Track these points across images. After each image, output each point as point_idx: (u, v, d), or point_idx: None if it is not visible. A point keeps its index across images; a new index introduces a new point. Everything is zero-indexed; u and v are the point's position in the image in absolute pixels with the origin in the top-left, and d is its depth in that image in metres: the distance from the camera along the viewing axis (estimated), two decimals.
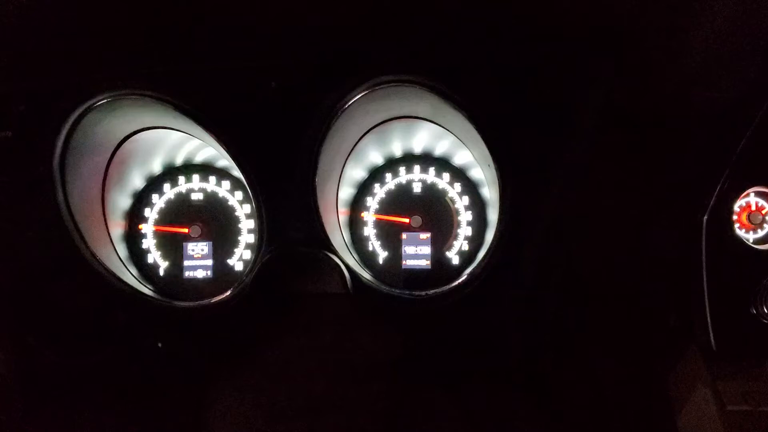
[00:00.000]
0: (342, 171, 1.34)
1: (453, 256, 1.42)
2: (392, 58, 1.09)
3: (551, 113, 1.08)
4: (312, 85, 1.10)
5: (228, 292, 1.17)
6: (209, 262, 1.41)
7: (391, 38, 1.08)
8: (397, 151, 1.44)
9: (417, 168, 1.44)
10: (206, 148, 1.35)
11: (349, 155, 1.33)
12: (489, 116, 1.08)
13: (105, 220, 1.30)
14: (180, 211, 1.41)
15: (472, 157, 1.33)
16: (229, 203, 1.42)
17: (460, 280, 1.16)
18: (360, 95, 1.10)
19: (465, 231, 1.42)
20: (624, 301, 1.18)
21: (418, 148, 1.43)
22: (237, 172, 1.30)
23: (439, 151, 1.42)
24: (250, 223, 1.41)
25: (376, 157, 1.44)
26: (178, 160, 1.43)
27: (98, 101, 1.11)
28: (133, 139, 1.28)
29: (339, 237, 1.31)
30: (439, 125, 1.28)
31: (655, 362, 1.23)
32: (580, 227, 1.14)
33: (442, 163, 1.44)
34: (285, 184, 1.14)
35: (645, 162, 1.13)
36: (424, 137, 1.37)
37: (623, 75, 1.05)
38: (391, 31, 1.06)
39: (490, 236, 1.25)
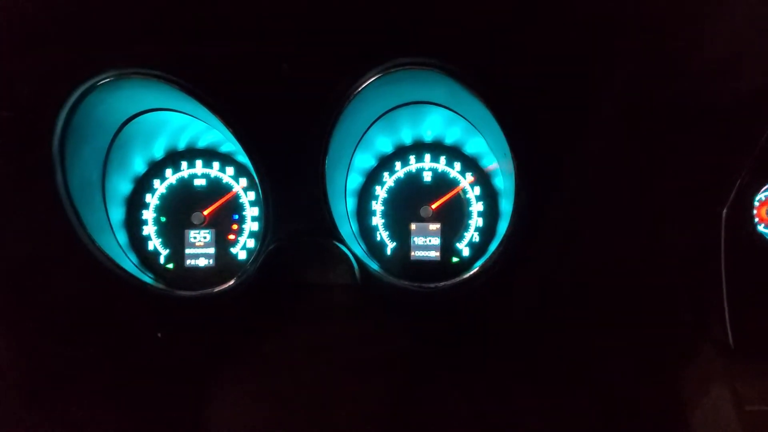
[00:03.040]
0: (351, 158, 1.32)
1: (463, 248, 1.40)
2: (408, 40, 1.06)
3: (573, 102, 1.06)
4: (324, 67, 1.08)
5: (231, 282, 1.15)
6: (212, 250, 1.38)
7: (407, 18, 1.05)
8: (407, 138, 1.41)
9: (427, 156, 1.42)
10: (210, 132, 1.33)
11: (359, 142, 1.31)
12: (507, 103, 1.06)
13: (105, 206, 1.29)
14: (182, 197, 1.39)
15: (484, 146, 1.31)
16: (234, 190, 1.40)
17: (470, 273, 1.14)
18: (373, 79, 1.08)
19: (476, 222, 1.39)
20: (638, 296, 1.15)
21: (428, 136, 1.41)
22: (242, 158, 1.32)
23: (450, 139, 1.39)
24: (255, 211, 1.39)
25: (385, 145, 1.41)
26: (181, 144, 1.40)
27: (102, 80, 1.09)
28: (136, 121, 1.26)
29: (347, 227, 1.29)
30: (454, 111, 1.26)
31: (668, 360, 1.20)
32: (596, 219, 1.12)
33: (454, 152, 1.41)
34: (293, 170, 1.12)
35: (664, 153, 1.11)
36: (435, 123, 1.35)
37: (646, 64, 1.04)
38: (407, 11, 1.04)
39: (502, 228, 1.25)
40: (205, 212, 1.37)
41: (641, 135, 1.09)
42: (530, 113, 1.07)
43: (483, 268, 1.13)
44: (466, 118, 1.25)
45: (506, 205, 1.28)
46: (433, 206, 1.37)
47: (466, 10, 1.02)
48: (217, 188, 1.40)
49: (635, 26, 1.02)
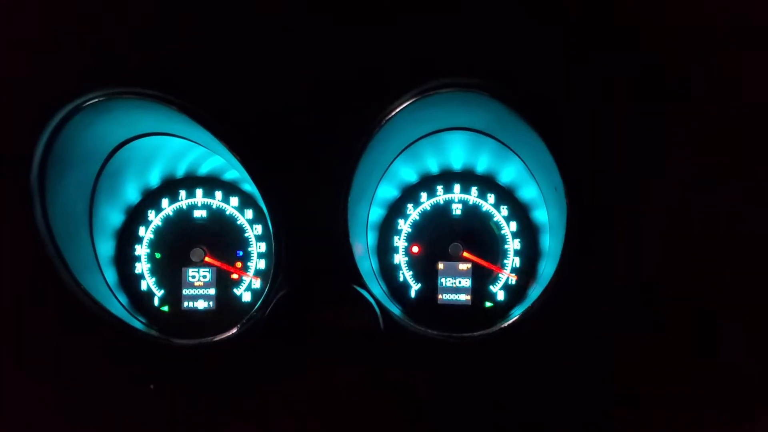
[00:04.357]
0: (375, 190, 1.27)
1: (498, 291, 1.34)
2: (451, 59, 1.02)
3: (637, 132, 1.01)
4: (351, 88, 1.04)
5: (234, 329, 1.10)
6: (212, 291, 1.34)
7: (449, 33, 1.01)
8: (434, 166, 1.36)
9: (457, 187, 1.37)
10: (212, 158, 1.29)
11: (385, 172, 1.26)
12: (562, 128, 1.01)
13: (92, 240, 1.23)
14: (180, 231, 1.35)
15: (520, 174, 1.26)
16: (238, 223, 1.35)
17: (509, 321, 1.08)
18: (408, 103, 1.02)
19: (513, 261, 1.34)
20: (724, 343, 1.06)
21: (457, 164, 1.36)
22: (249, 187, 1.29)
23: (482, 166, 1.34)
24: (263, 247, 1.35)
25: (409, 174, 1.36)
26: (180, 172, 1.36)
27: (88, 100, 1.04)
28: (128, 146, 1.22)
29: (367, 265, 1.25)
30: (491, 136, 1.21)
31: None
32: (663, 261, 1.05)
33: (486, 182, 1.37)
34: (308, 203, 1.08)
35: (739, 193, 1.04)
36: (465, 149, 1.31)
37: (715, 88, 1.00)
38: (449, 25, 1.00)
39: (545, 269, 1.22)
40: (206, 249, 1.33)
41: (718, 174, 1.04)
42: (588, 140, 1.02)
43: (525, 317, 1.07)
44: (505, 144, 1.20)
45: (549, 243, 1.23)
46: (465, 254, 1.32)
47: (518, 21, 0.99)
48: (219, 221, 1.36)
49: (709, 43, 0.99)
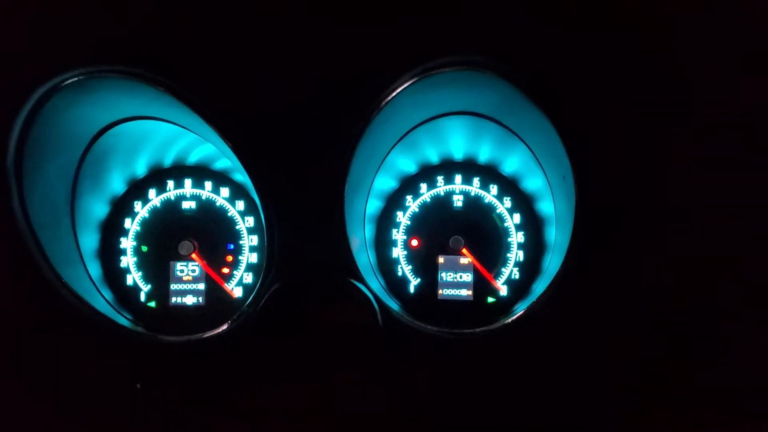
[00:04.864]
0: (373, 179, 1.25)
1: (501, 286, 1.32)
2: (455, 35, 0.99)
3: (657, 117, 0.99)
4: (348, 70, 1.01)
5: (225, 326, 1.09)
6: (201, 286, 1.33)
7: (452, 7, 0.98)
8: (433, 156, 1.34)
9: (458, 177, 1.35)
10: (202, 146, 1.27)
11: (384, 160, 1.24)
12: (575, 116, 0.98)
13: (74, 232, 1.21)
14: (168, 223, 1.34)
15: (526, 164, 1.25)
16: (229, 214, 1.34)
17: (513, 317, 1.06)
18: (408, 84, 0.99)
19: (516, 255, 1.33)
20: (725, 342, 1.04)
21: (458, 153, 1.34)
22: (240, 176, 1.27)
23: (485, 155, 1.33)
24: (254, 240, 1.34)
25: (408, 164, 1.34)
26: (167, 160, 1.35)
27: (68, 79, 1.01)
28: (112, 132, 1.19)
29: (365, 259, 1.22)
30: (498, 122, 1.18)
31: None
32: (678, 257, 1.03)
33: (489, 172, 1.35)
34: (303, 193, 1.05)
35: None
36: (466, 137, 1.28)
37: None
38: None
39: (550, 263, 1.21)
40: (195, 242, 1.31)
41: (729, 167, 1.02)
42: (602, 125, 1.00)
43: (529, 312, 1.05)
44: (511, 129, 1.18)
45: (555, 236, 1.21)
46: (464, 251, 1.30)
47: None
48: (209, 212, 1.35)
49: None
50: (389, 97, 1.00)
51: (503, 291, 1.31)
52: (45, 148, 1.07)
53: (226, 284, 1.32)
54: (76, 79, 1.01)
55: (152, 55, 1.02)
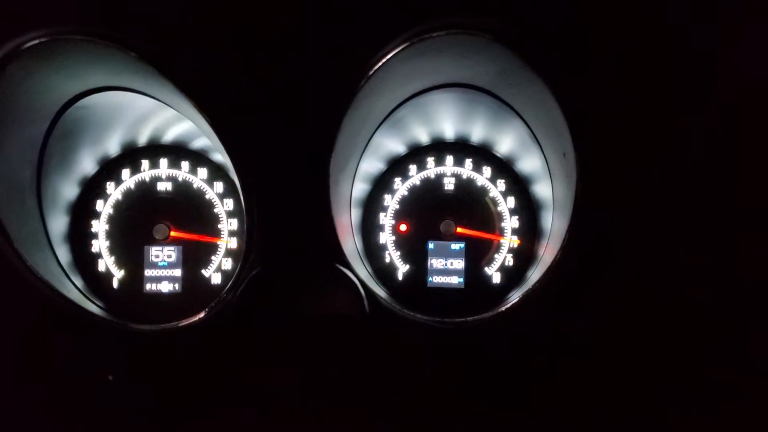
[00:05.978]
0: (360, 160, 1.23)
1: (493, 274, 1.31)
2: None
3: (663, 92, 0.96)
4: (335, 36, 0.98)
5: (202, 314, 1.07)
6: (178, 272, 1.32)
7: None
8: (423, 136, 1.32)
9: (449, 159, 1.33)
10: (180, 123, 1.23)
11: (369, 140, 1.21)
12: (580, 87, 0.95)
13: (41, 214, 1.19)
14: (142, 205, 1.33)
15: (521, 142, 1.22)
16: (207, 197, 1.32)
17: (507, 305, 1.04)
18: (398, 50, 0.95)
19: (510, 242, 1.31)
20: (727, 342, 1.02)
21: (449, 132, 1.31)
22: (219, 156, 1.26)
23: (477, 135, 1.30)
24: (234, 224, 1.32)
25: (396, 144, 1.30)
26: (142, 138, 1.32)
27: (28, 41, 0.95)
28: (81, 104, 1.15)
29: (351, 245, 1.20)
30: (495, 96, 1.15)
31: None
32: (681, 244, 1.00)
33: (482, 153, 1.33)
34: (285, 173, 1.03)
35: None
36: (459, 114, 1.25)
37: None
38: None
39: (543, 249, 1.19)
40: (170, 225, 1.30)
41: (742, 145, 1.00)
42: (608, 97, 0.97)
43: (524, 300, 1.03)
44: (507, 103, 1.15)
45: (552, 220, 1.18)
46: (459, 230, 1.29)
47: None
48: (186, 194, 1.33)
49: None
50: (379, 64, 0.96)
51: (497, 278, 1.31)
52: (4, 121, 1.03)
53: (203, 270, 1.29)
54: (36, 42, 0.96)
55: (123, 17, 0.97)
